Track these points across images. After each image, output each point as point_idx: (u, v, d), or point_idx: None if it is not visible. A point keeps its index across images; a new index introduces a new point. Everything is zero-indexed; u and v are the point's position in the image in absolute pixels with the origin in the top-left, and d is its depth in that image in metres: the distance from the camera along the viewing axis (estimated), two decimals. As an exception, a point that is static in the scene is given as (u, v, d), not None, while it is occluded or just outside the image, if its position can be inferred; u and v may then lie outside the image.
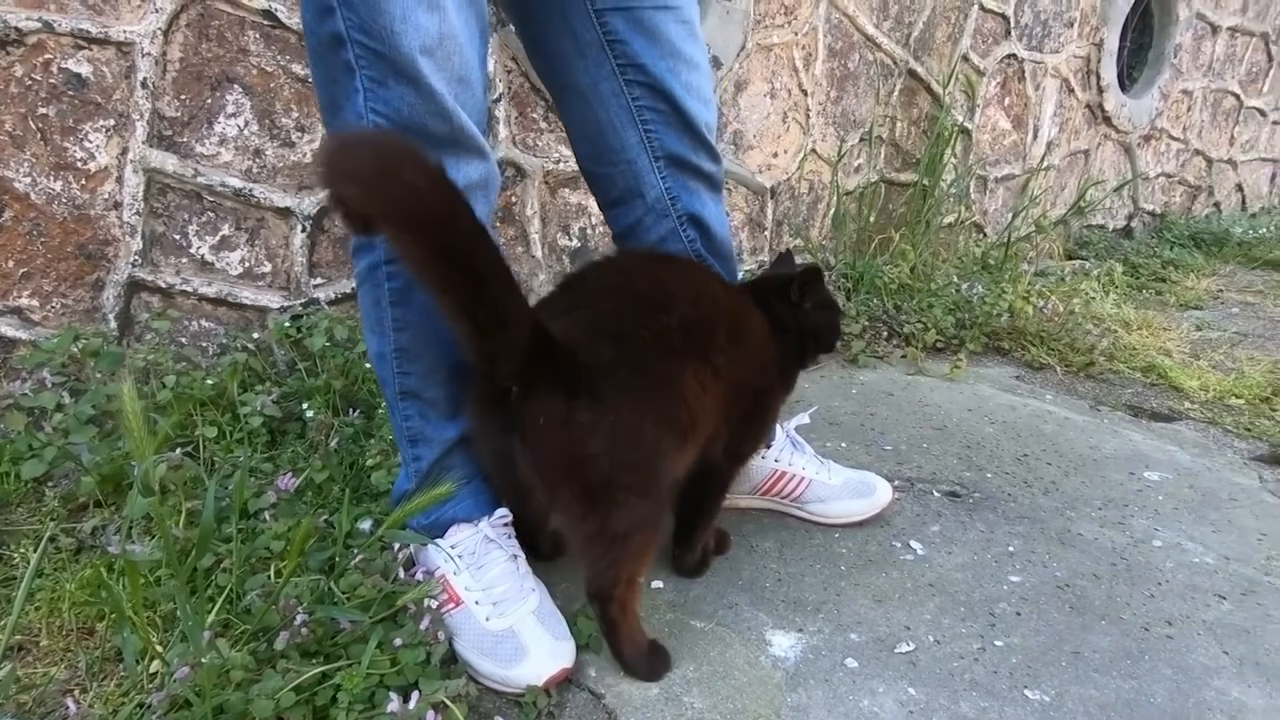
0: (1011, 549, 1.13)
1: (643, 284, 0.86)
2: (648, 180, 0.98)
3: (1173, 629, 0.96)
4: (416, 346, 0.84)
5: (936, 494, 1.29)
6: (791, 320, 1.01)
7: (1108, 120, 3.32)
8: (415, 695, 0.69)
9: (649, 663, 0.86)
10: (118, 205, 1.31)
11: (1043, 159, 3.04)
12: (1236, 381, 1.83)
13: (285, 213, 1.47)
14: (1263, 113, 4.38)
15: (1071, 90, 3.13)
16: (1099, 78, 3.20)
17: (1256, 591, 1.05)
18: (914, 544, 1.13)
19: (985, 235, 2.92)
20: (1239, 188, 4.45)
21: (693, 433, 0.85)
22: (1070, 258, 3.18)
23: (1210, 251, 3.46)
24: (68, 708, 0.69)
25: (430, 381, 0.86)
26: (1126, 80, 3.47)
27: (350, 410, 1.30)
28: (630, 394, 0.78)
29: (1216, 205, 4.30)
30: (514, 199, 1.77)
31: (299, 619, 0.76)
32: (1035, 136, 3.03)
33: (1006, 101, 2.89)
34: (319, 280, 1.54)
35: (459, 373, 0.87)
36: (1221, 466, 1.43)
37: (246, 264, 1.46)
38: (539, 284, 1.83)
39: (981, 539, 1.15)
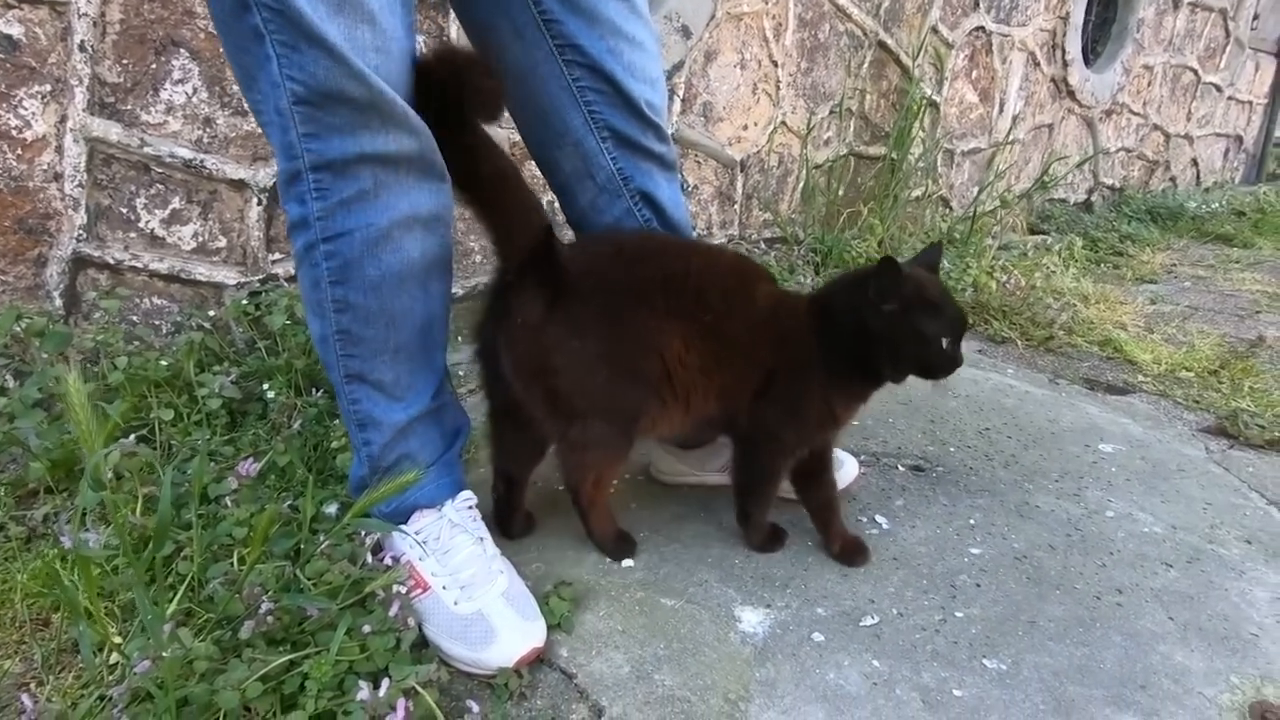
0: (972, 522, 1.16)
1: (649, 245, 0.97)
2: (597, 161, 0.96)
3: (1123, 597, 1.00)
4: (359, 328, 0.81)
5: (901, 468, 1.31)
6: (857, 323, 0.91)
7: (1072, 94, 3.36)
8: (385, 682, 0.69)
9: (614, 545, 1.03)
10: (58, 177, 1.24)
11: (1009, 133, 3.07)
12: (1187, 354, 1.89)
13: (240, 185, 1.41)
14: (1219, 88, 4.48)
15: (1037, 64, 3.15)
16: (1064, 51, 3.22)
17: (1200, 559, 1.10)
18: (879, 518, 1.15)
19: (951, 209, 2.95)
20: (1194, 162, 4.57)
21: (672, 389, 0.93)
22: (1033, 231, 3.24)
23: (1165, 226, 3.55)
24: (23, 702, 0.67)
25: (376, 364, 0.84)
26: (1090, 54, 3.50)
27: (313, 390, 1.27)
28: (600, 327, 0.88)
29: (1173, 180, 4.40)
30: (480, 171, 1.72)
31: (264, 607, 0.75)
32: (1001, 110, 3.06)
33: (974, 75, 2.89)
34: (278, 255, 1.49)
35: (404, 353, 0.86)
36: (1171, 438, 1.49)
37: (200, 239, 1.40)
38: (506, 259, 1.80)
39: (944, 512, 1.18)
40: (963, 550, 1.09)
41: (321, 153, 0.73)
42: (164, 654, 0.64)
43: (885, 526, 1.13)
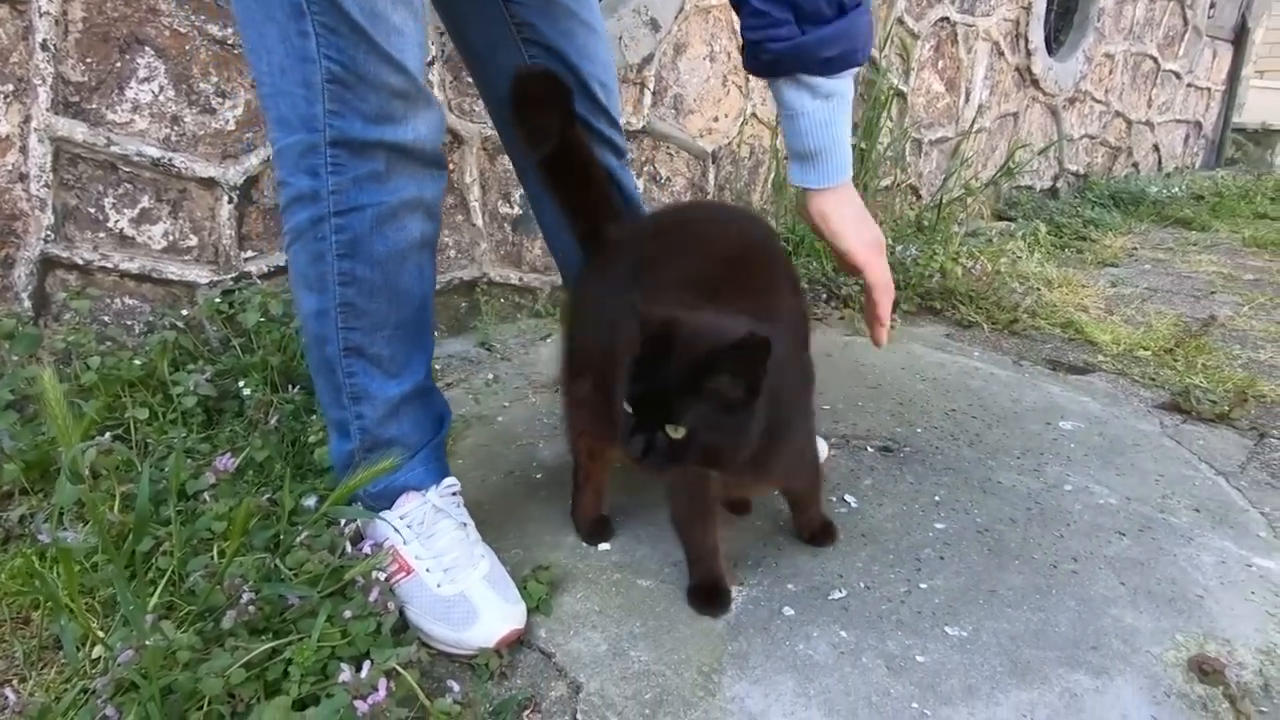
0: (937, 498, 1.20)
1: (688, 216, 1.10)
2: None
3: (1077, 565, 1.05)
4: (363, 301, 0.84)
5: (870, 449, 1.35)
6: None
7: (1035, 83, 3.43)
8: (367, 665, 0.70)
9: (588, 528, 1.06)
10: (23, 177, 1.24)
11: (974, 121, 3.13)
12: (1145, 335, 1.96)
13: (209, 183, 1.41)
14: (1178, 75, 4.59)
15: (1002, 53, 3.21)
16: (1027, 41, 3.29)
17: (1152, 528, 1.15)
18: (848, 497, 1.19)
19: (920, 198, 3.00)
20: (1155, 148, 4.68)
21: None
22: (1000, 218, 3.31)
23: (1128, 210, 3.64)
24: (6, 697, 0.68)
25: (375, 338, 0.86)
26: (1053, 43, 3.58)
27: (289, 386, 1.27)
28: (599, 298, 0.96)
29: (1135, 165, 4.51)
30: (452, 166, 1.73)
31: (245, 597, 0.77)
32: (967, 99, 3.11)
33: (940, 65, 2.95)
34: (250, 253, 1.49)
35: (402, 330, 0.87)
36: (1128, 415, 1.54)
37: (170, 237, 1.40)
38: (480, 253, 1.81)
39: (910, 490, 1.22)
40: (928, 525, 1.13)
41: (344, 130, 0.76)
42: (147, 643, 0.65)
43: (854, 505, 1.17)
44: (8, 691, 0.68)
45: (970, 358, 1.82)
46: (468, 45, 1.03)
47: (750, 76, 2.28)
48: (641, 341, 0.72)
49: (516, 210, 1.86)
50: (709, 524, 0.93)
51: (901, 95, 2.77)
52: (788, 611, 0.93)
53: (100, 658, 0.76)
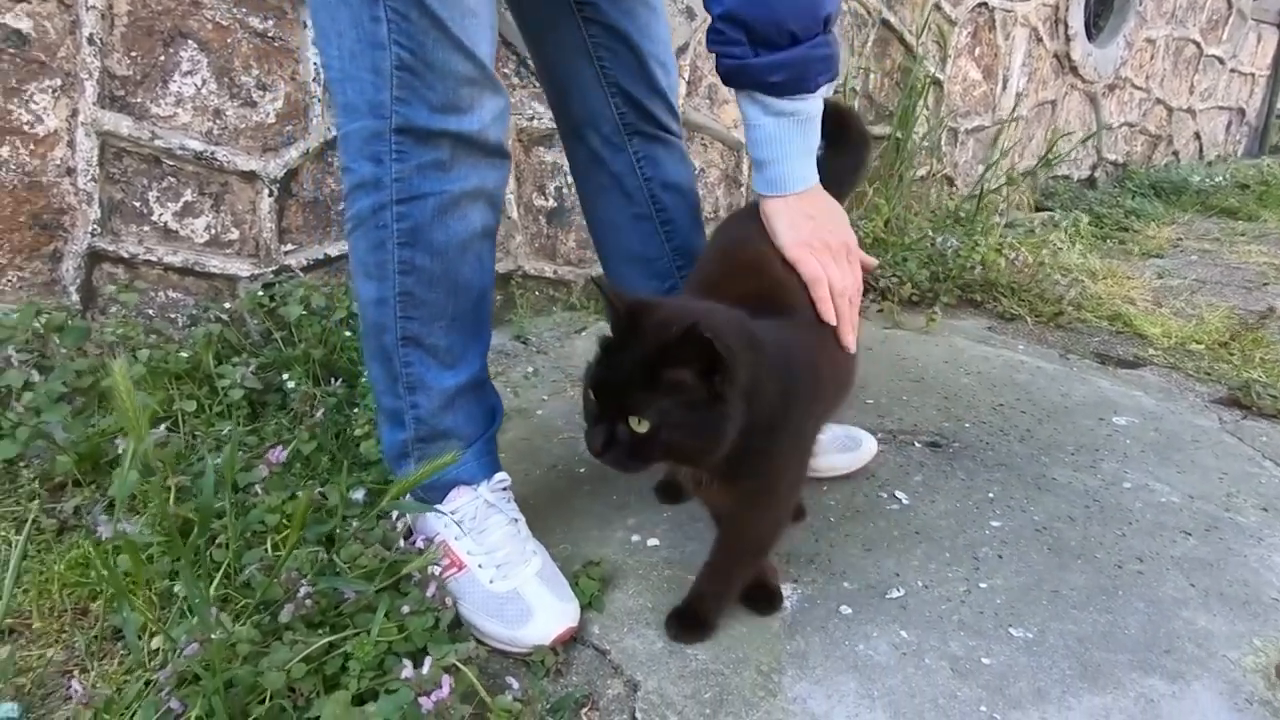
0: (991, 495, 1.17)
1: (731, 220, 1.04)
2: (603, 113, 1.01)
3: (1143, 565, 1.01)
4: (422, 291, 0.83)
5: (917, 445, 1.32)
6: None
7: (1074, 70, 3.34)
8: (427, 661, 0.70)
9: (663, 487, 1.07)
10: (71, 171, 1.24)
11: (1013, 110, 3.06)
12: (1197, 327, 1.90)
13: (250, 176, 1.41)
14: (1221, 61, 4.45)
15: (1040, 39, 3.13)
16: (1067, 26, 3.20)
17: (1219, 527, 1.11)
18: (899, 494, 1.16)
19: (955, 188, 2.94)
20: (1197, 136, 4.55)
21: None
22: (1037, 209, 3.23)
23: (1170, 200, 3.54)
24: (72, 688, 0.69)
25: (433, 328, 0.85)
26: (1093, 29, 3.48)
27: (332, 379, 1.27)
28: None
29: (1175, 154, 4.39)
30: (488, 158, 1.72)
31: (302, 591, 0.76)
32: (1004, 87, 3.04)
33: (977, 52, 2.88)
34: (290, 246, 1.49)
35: (459, 321, 0.87)
36: (1184, 410, 1.49)
37: (213, 231, 1.40)
38: (515, 246, 1.80)
39: (962, 487, 1.19)
40: (983, 523, 1.10)
41: (409, 118, 0.76)
42: (212, 636, 0.65)
43: (905, 502, 1.15)
44: (73, 683, 0.68)
45: (1015, 351, 1.78)
46: (525, 25, 1.02)
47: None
48: (611, 325, 0.68)
49: (551, 203, 1.85)
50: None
51: (938, 83, 2.71)
52: (845, 610, 0.91)
53: (160, 649, 0.76)
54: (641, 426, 0.65)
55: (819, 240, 0.88)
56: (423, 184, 0.78)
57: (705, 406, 0.66)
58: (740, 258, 0.90)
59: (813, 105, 0.85)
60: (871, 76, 2.51)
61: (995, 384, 1.58)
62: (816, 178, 0.90)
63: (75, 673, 0.77)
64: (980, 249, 2.14)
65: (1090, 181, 3.74)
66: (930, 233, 2.26)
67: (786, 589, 0.94)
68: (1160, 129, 4.17)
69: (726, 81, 0.86)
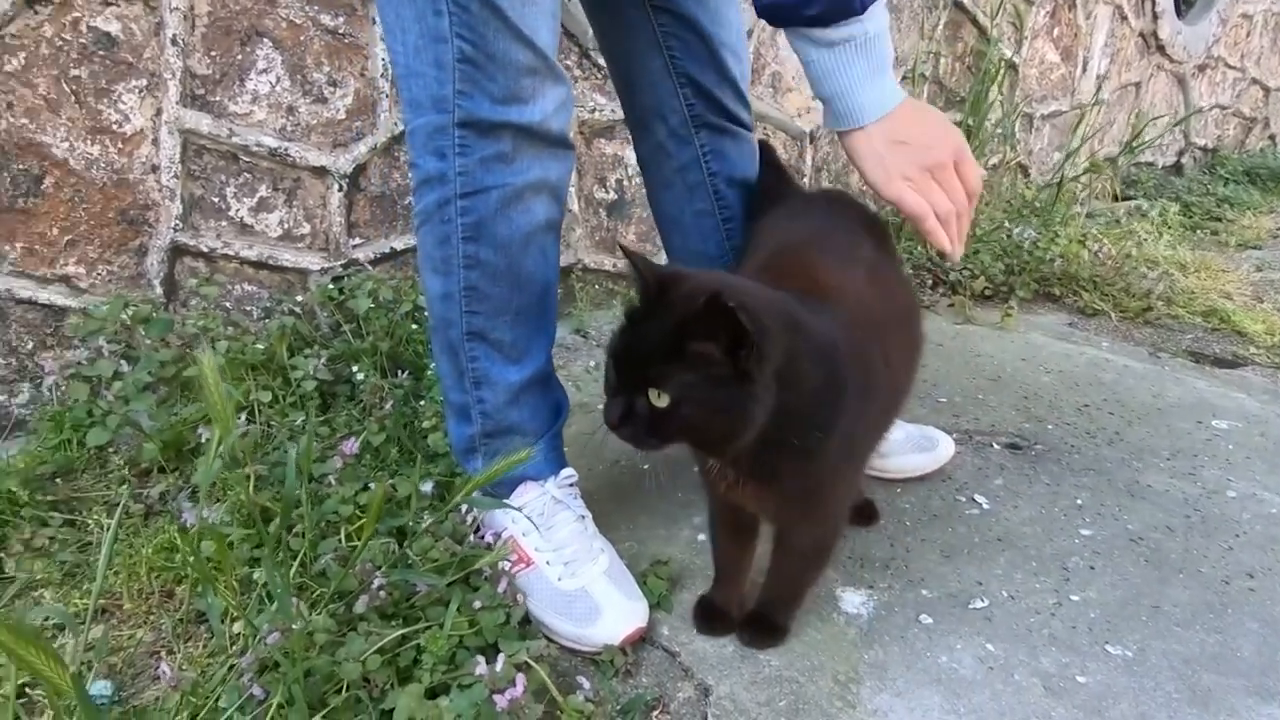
0: (1080, 502, 1.10)
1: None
2: (670, 104, 0.99)
3: (1254, 582, 0.94)
4: (486, 285, 0.82)
5: (996, 446, 1.26)
6: None
7: (1161, 49, 3.14)
8: (500, 657, 0.69)
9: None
10: (155, 168, 1.29)
11: (1096, 93, 2.89)
12: (1303, 324, 1.76)
13: (321, 172, 1.44)
14: (1326, 36, 4.11)
15: (1124, 18, 2.95)
16: (1154, 3, 3.01)
17: (1339, 542, 1.02)
18: (978, 498, 1.11)
19: (1029, 176, 2.80)
20: (1297, 118, 4.22)
21: None
22: (1116, 198, 3.06)
23: (1267, 188, 3.30)
24: (160, 670, 0.71)
25: (497, 322, 0.84)
26: (1183, 5, 3.26)
27: (399, 372, 1.29)
28: None
29: (1272, 138, 4.09)
30: (549, 151, 1.71)
31: (376, 583, 0.77)
32: (1084, 69, 2.88)
33: (1056, 32, 2.73)
34: (358, 240, 1.51)
35: (524, 315, 0.86)
36: (1292, 413, 1.38)
37: (285, 225, 1.44)
38: (576, 239, 1.80)
39: (1048, 492, 1.13)
40: (1072, 531, 1.03)
41: (472, 111, 0.75)
42: (294, 626, 0.65)
43: (986, 507, 1.09)
44: (162, 665, 0.70)
45: (1099, 348, 1.68)
46: (593, 14, 1.00)
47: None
48: (639, 296, 0.65)
49: (612, 196, 1.83)
50: (720, 530, 0.84)
51: (1013, 66, 2.58)
52: (925, 620, 0.87)
53: (241, 634, 0.78)
54: (661, 400, 0.62)
55: (914, 167, 0.80)
56: (486, 177, 0.78)
57: (731, 384, 0.62)
58: (783, 264, 0.84)
59: (870, 24, 0.77)
60: (942, 61, 2.40)
61: (1079, 383, 1.49)
62: (898, 95, 0.80)
63: (163, 654, 0.80)
64: (1060, 240, 2.03)
65: (1176, 168, 3.52)
66: (1006, 223, 2.15)
67: (861, 595, 0.91)
68: (1255, 111, 3.89)
69: (767, 20, 0.80)
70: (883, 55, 0.79)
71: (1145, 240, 2.29)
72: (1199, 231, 2.63)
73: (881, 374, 0.77)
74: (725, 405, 0.62)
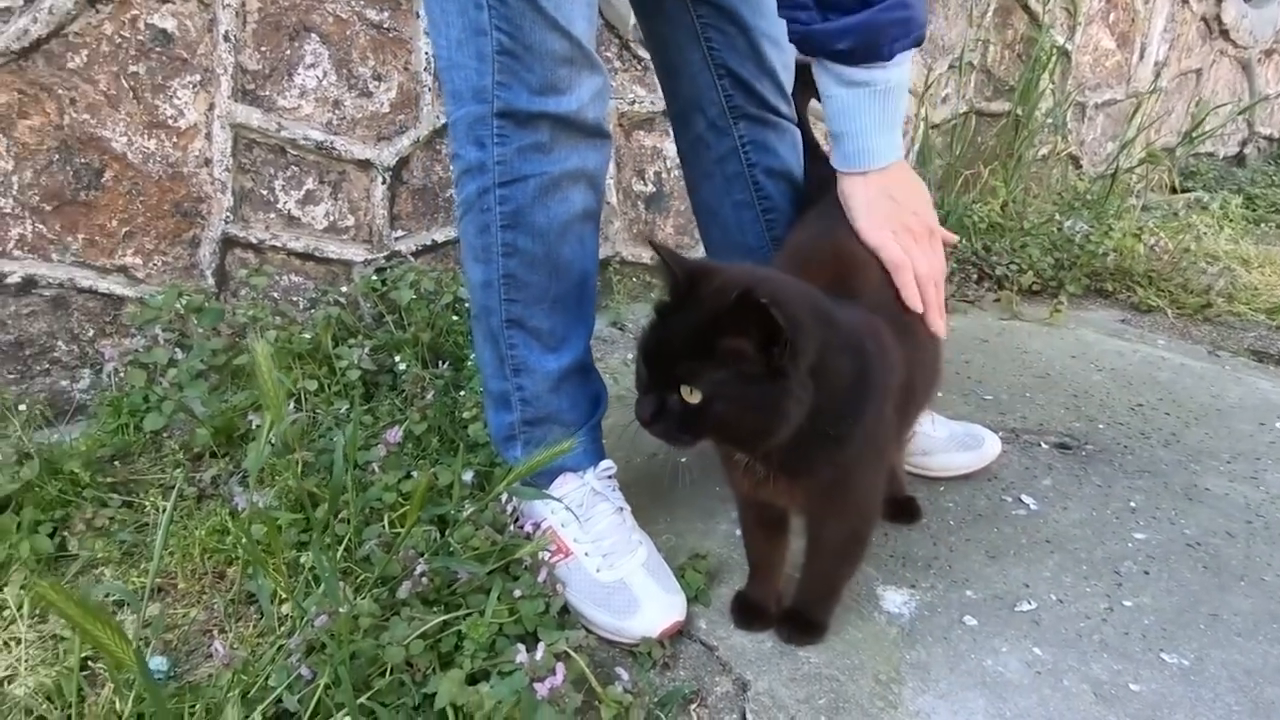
0: (1133, 504, 1.06)
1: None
2: (709, 96, 0.98)
3: (1322, 591, 0.89)
4: (524, 273, 0.83)
5: (1044, 446, 1.22)
6: None
7: (1225, 34, 3.00)
8: (540, 646, 0.69)
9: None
10: (208, 162, 1.33)
11: (1155, 80, 2.78)
12: (1377, 323, 1.67)
13: (365, 165, 1.46)
14: (1406, 18, 3.88)
15: (1185, 2, 2.82)
16: (1218, -14, 2.87)
17: None
18: (1025, 498, 1.08)
19: (1081, 168, 2.71)
20: (1371, 106, 3.99)
21: None
22: (1175, 190, 2.94)
23: (1337, 179, 3.13)
24: (215, 648, 0.73)
25: (535, 310, 0.86)
26: (1249, -13, 3.11)
27: (440, 362, 1.30)
28: None
29: (1344, 127, 3.87)
30: (588, 143, 1.71)
31: (419, 569, 0.78)
32: (1142, 56, 2.77)
33: (1111, 18, 2.63)
34: (400, 233, 1.54)
35: (561, 304, 0.86)
36: (1365, 416, 1.31)
37: (331, 218, 1.47)
38: (614, 231, 1.79)
39: (1099, 494, 1.09)
40: (1125, 535, 1.00)
41: (510, 102, 0.77)
42: (340, 610, 0.67)
43: (1034, 507, 1.06)
44: (215, 643, 0.73)
45: (1154, 346, 1.62)
46: (637, 5, 1.00)
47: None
48: (669, 291, 0.65)
49: (650, 188, 1.83)
50: (750, 526, 0.84)
51: (1065, 54, 2.49)
52: (969, 621, 0.85)
53: (289, 615, 0.80)
54: (694, 397, 0.61)
55: (899, 223, 0.83)
56: (523, 166, 0.79)
57: (764, 381, 0.61)
58: (815, 255, 0.85)
59: (893, 74, 0.80)
60: (991, 48, 2.33)
61: (1132, 382, 1.44)
62: (899, 153, 0.84)
63: (215, 633, 0.82)
64: (1114, 234, 1.96)
65: (1239, 159, 3.37)
66: (1056, 216, 2.08)
67: (903, 594, 0.89)
68: (1326, 98, 3.69)
69: (798, 49, 0.82)
70: (896, 109, 0.83)
71: (1205, 234, 2.20)
72: (1263, 225, 2.52)
73: (910, 361, 0.77)
74: (758, 402, 0.62)
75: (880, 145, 0.83)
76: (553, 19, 0.75)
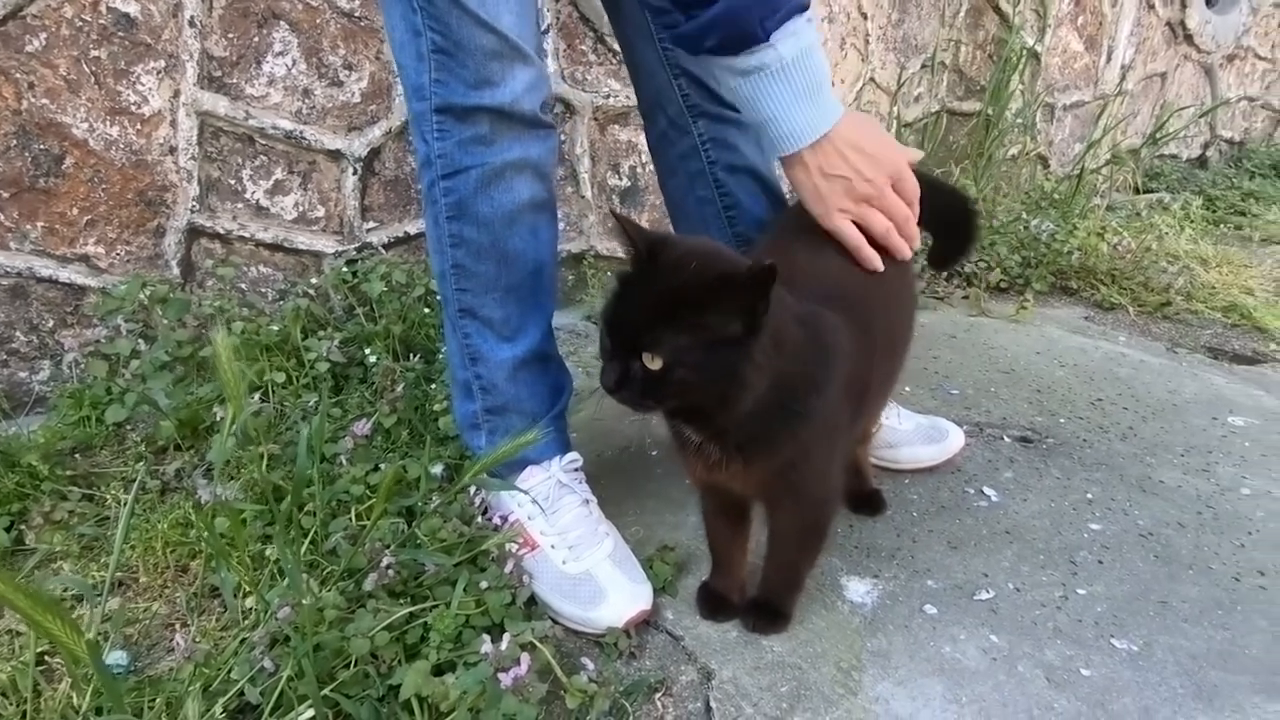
0: (1090, 496, 1.09)
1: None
2: (667, 95, 0.99)
3: (1265, 579, 0.93)
4: (471, 263, 0.85)
5: (1007, 439, 1.25)
6: None
7: (1189, 39, 3.07)
8: (506, 637, 0.70)
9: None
10: (173, 150, 1.30)
11: (1121, 82, 2.84)
12: (1327, 321, 1.72)
13: (336, 155, 1.45)
14: (1361, 27, 4.00)
15: (1151, 6, 2.89)
16: (1183, -9, 2.94)
17: (1354, 541, 1.00)
18: (987, 490, 1.10)
19: (1049, 168, 2.76)
20: (1328, 111, 4.12)
21: None
22: (1139, 190, 3.01)
23: (1294, 182, 3.23)
24: (175, 641, 0.72)
25: (485, 300, 0.87)
26: (1212, -7, 3.18)
27: (410, 355, 1.30)
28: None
29: (1301, 131, 3.99)
30: (563, 136, 1.71)
31: (385, 561, 0.78)
32: (1109, 59, 2.83)
33: (1080, 21, 2.68)
34: (371, 224, 1.52)
35: (514, 294, 0.87)
36: (1312, 411, 1.36)
37: (300, 208, 1.45)
38: (588, 225, 1.79)
39: (1058, 485, 1.12)
40: (1081, 525, 1.03)
41: (446, 97, 0.79)
42: (304, 601, 0.67)
43: (994, 499, 1.08)
44: (177, 637, 0.72)
45: (1115, 343, 1.66)
46: (604, 3, 1.00)
47: (870, 38, 2.15)
48: (631, 260, 0.66)
49: (625, 183, 1.83)
50: (712, 517, 0.85)
51: (1035, 55, 2.54)
52: (929, 610, 0.87)
53: (253, 609, 0.79)
54: (655, 363, 0.63)
55: (849, 200, 0.81)
56: (464, 158, 0.81)
57: (724, 347, 0.63)
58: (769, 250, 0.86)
59: (784, 49, 0.74)
60: (963, 49, 2.37)
61: (1093, 377, 1.48)
62: (830, 117, 0.78)
63: (177, 627, 0.81)
64: (1079, 233, 2.00)
65: (1201, 161, 3.45)
66: (1023, 215, 2.12)
67: (866, 584, 0.91)
68: (1285, 103, 3.80)
69: (685, 53, 0.82)
70: (808, 78, 0.77)
71: (1166, 234, 2.25)
72: (1222, 226, 2.59)
73: (871, 344, 0.79)
74: (720, 368, 0.63)
75: (801, 121, 0.78)
76: (477, 15, 0.77)
